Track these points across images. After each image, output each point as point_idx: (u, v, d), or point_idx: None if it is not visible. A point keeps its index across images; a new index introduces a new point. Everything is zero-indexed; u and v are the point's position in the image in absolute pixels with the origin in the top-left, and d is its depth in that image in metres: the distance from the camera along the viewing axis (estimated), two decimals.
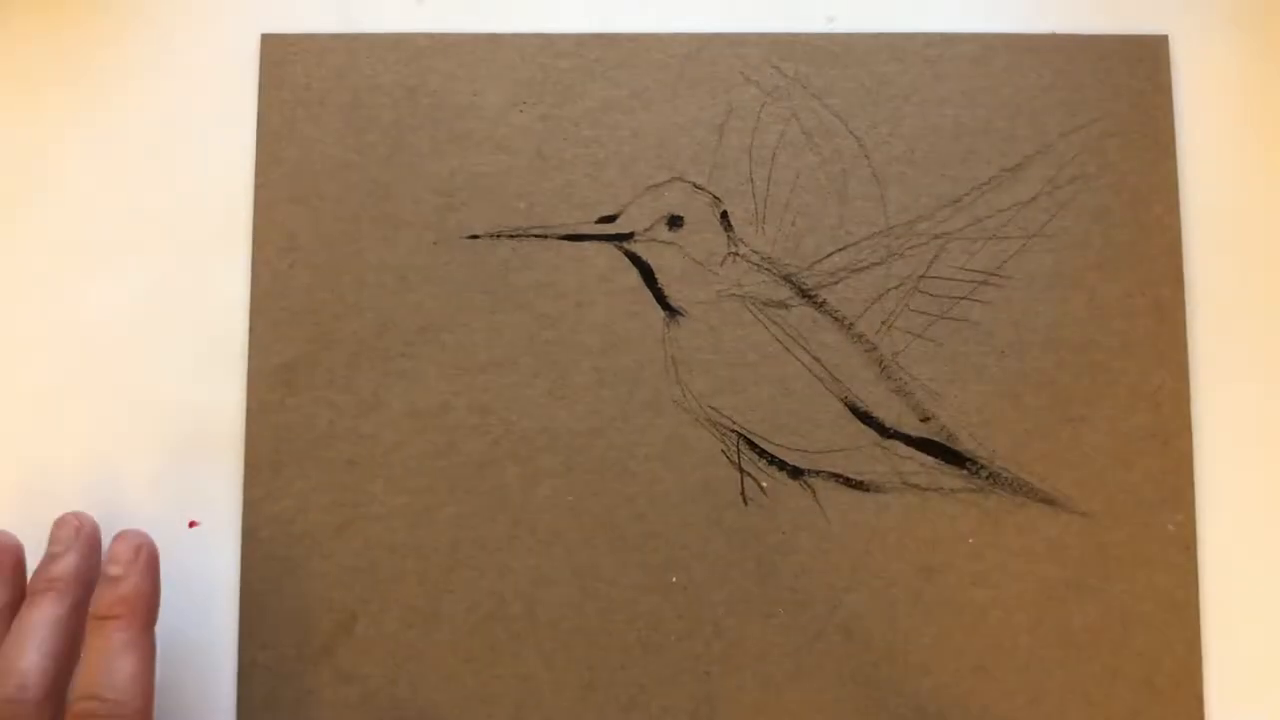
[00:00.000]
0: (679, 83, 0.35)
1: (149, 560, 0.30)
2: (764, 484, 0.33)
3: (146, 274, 0.35)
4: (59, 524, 0.31)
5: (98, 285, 0.35)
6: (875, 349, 0.34)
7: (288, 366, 0.34)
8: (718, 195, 0.34)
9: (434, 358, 0.34)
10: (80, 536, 0.31)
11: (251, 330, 0.34)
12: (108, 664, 0.28)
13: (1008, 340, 0.34)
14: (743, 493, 0.33)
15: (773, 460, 0.33)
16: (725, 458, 0.34)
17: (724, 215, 0.34)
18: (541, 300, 0.34)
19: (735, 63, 0.35)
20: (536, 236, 0.34)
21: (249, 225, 0.35)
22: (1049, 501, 0.33)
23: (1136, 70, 0.35)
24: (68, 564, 0.30)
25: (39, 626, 0.29)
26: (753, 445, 0.34)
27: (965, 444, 0.33)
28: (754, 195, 0.34)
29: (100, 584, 0.30)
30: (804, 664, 0.33)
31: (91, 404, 0.34)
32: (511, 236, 0.34)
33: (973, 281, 0.34)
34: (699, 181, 0.34)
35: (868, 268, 0.34)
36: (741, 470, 0.33)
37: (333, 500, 0.33)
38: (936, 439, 0.34)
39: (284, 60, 0.35)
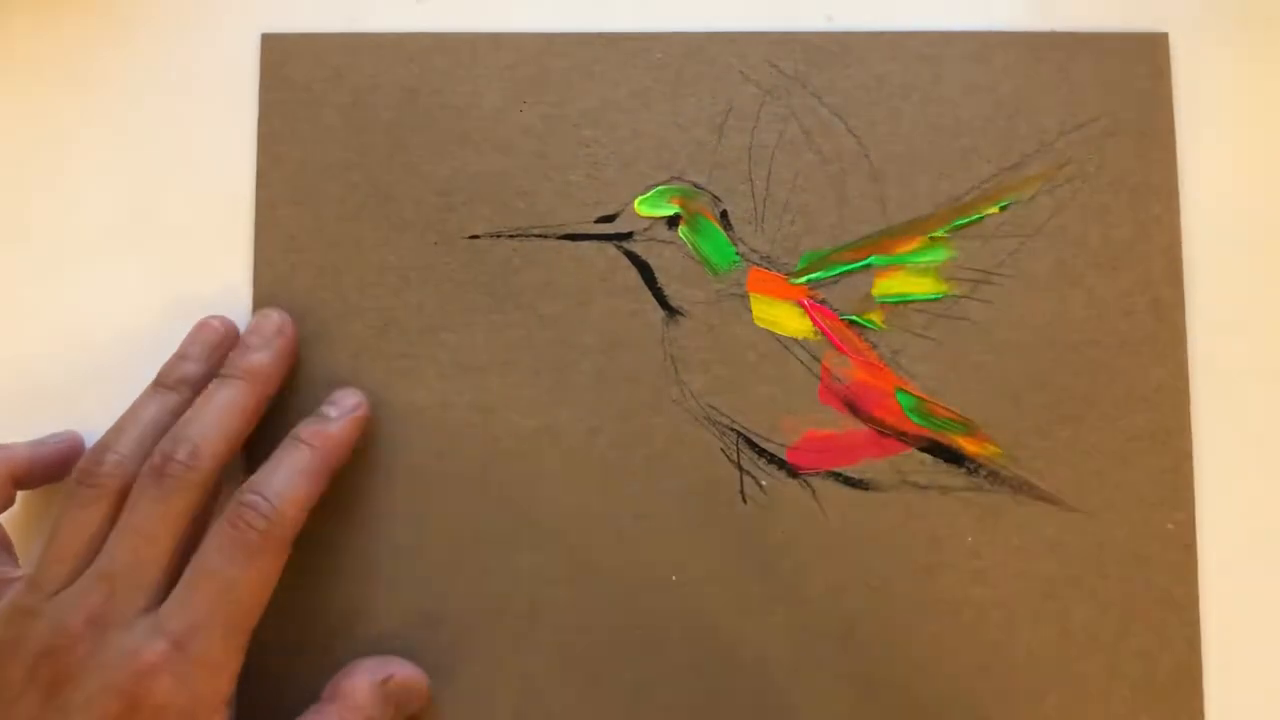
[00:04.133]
0: (678, 82, 0.35)
1: (359, 420, 0.33)
2: (763, 483, 0.33)
3: (147, 275, 0.35)
4: (263, 317, 0.33)
5: (98, 286, 0.35)
6: (874, 347, 0.34)
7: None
8: (717, 195, 0.35)
9: (435, 357, 0.34)
10: (280, 339, 0.33)
11: None
12: (287, 476, 0.30)
13: (1007, 339, 0.34)
14: (742, 491, 0.33)
15: (772, 459, 0.33)
16: (725, 456, 0.34)
17: (724, 214, 0.34)
18: (542, 300, 0.34)
19: (734, 62, 0.35)
20: (536, 236, 0.34)
21: (250, 226, 0.35)
22: (1049, 500, 0.33)
23: (1136, 68, 0.35)
24: (262, 358, 0.32)
25: (222, 406, 0.31)
26: (752, 444, 0.34)
27: (965, 442, 0.33)
28: (753, 194, 0.34)
29: (312, 418, 0.32)
30: (804, 663, 0.33)
31: (93, 404, 0.34)
32: (512, 236, 0.34)
33: (972, 280, 0.34)
34: (698, 181, 0.35)
35: (865, 266, 0.34)
36: (741, 469, 0.34)
37: (333, 499, 0.33)
38: (935, 437, 0.34)
39: (284, 60, 0.35)
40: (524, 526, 0.33)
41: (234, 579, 0.29)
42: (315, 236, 0.34)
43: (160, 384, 0.32)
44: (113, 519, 0.30)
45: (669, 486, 0.33)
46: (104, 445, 0.31)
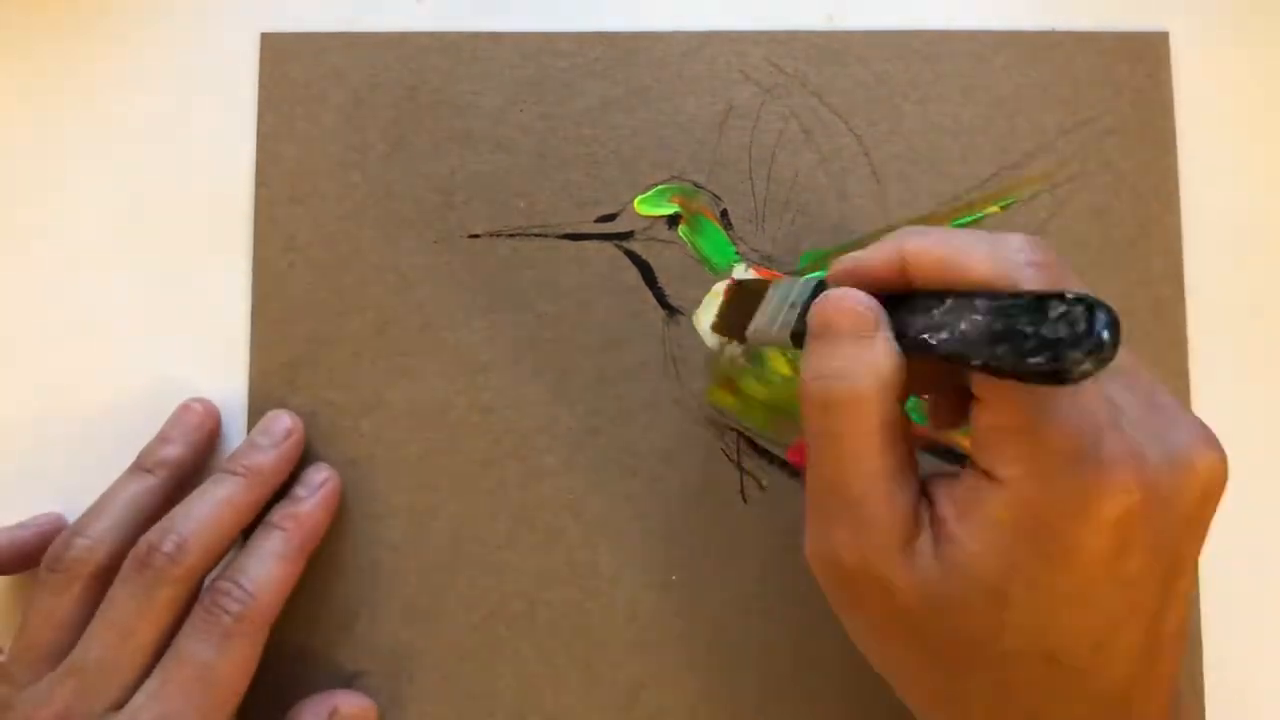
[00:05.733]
0: (678, 81, 0.35)
1: (330, 494, 0.32)
2: (764, 482, 0.33)
3: (147, 274, 0.35)
4: (273, 419, 0.33)
5: (98, 285, 0.35)
6: None
7: (289, 366, 0.34)
8: (717, 194, 0.34)
9: (434, 356, 0.34)
10: (288, 441, 0.32)
11: (253, 330, 0.34)
12: (259, 561, 0.30)
13: None
14: (742, 491, 0.33)
15: (772, 459, 0.33)
16: (725, 456, 0.34)
17: (724, 214, 0.34)
18: (542, 299, 0.34)
19: (734, 61, 0.35)
20: (536, 235, 0.34)
21: (249, 225, 0.35)
22: None
23: (1136, 68, 0.35)
24: (267, 459, 0.32)
25: (217, 502, 0.30)
26: (753, 444, 0.34)
27: (965, 442, 0.33)
28: (754, 194, 0.34)
29: (284, 500, 0.32)
30: (804, 662, 0.33)
31: (92, 403, 0.34)
32: (511, 235, 0.34)
33: None
34: (698, 180, 0.35)
35: None
36: (741, 469, 0.34)
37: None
38: (935, 437, 0.34)
39: (284, 60, 0.35)
40: (524, 525, 0.33)
41: (208, 664, 0.28)
42: (314, 235, 0.34)
43: (139, 466, 0.32)
44: (84, 605, 0.29)
45: (669, 486, 0.33)
46: (75, 529, 0.30)
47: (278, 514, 0.31)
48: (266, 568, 0.30)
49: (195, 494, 0.31)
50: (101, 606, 0.29)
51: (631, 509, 0.33)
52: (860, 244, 0.34)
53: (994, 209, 0.34)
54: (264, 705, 0.32)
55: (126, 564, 0.29)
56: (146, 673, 0.28)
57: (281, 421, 0.33)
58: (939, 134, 0.35)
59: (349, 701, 0.31)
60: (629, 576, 0.33)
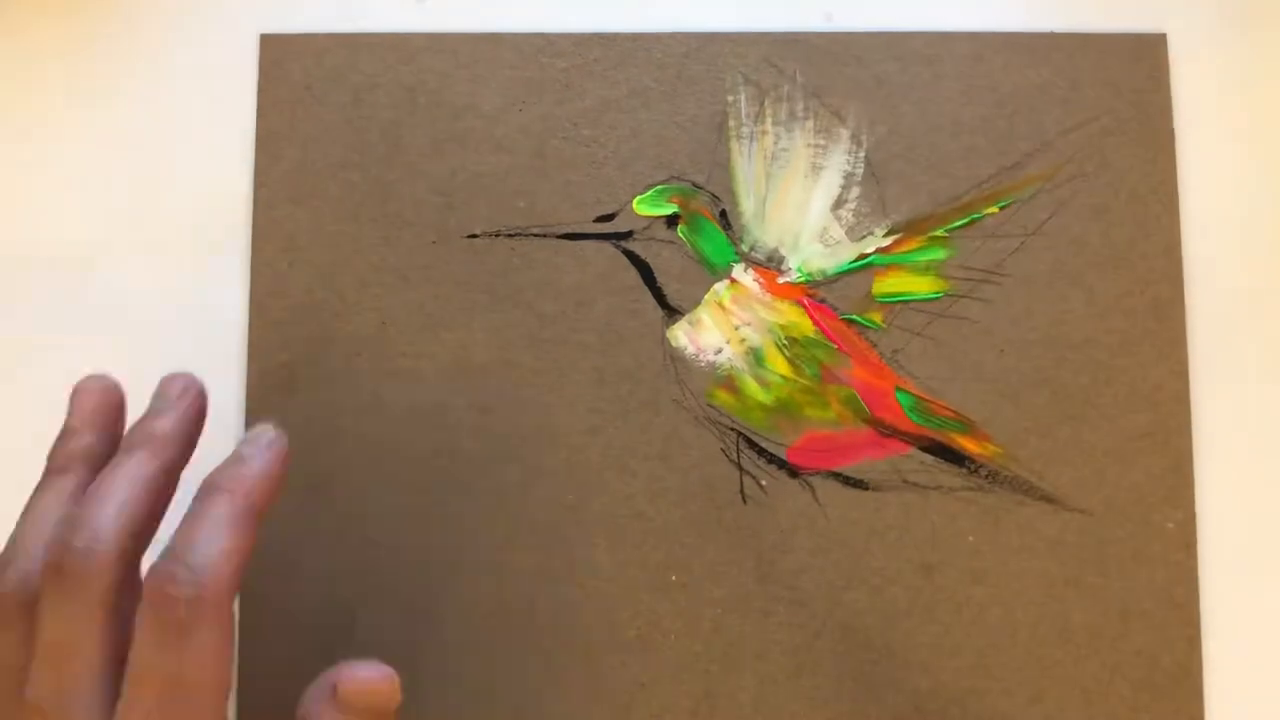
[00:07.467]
0: (678, 82, 0.35)
1: (281, 453, 0.28)
2: (763, 482, 0.33)
3: (146, 274, 0.35)
4: (167, 381, 0.29)
5: (97, 285, 0.35)
6: (874, 347, 0.34)
7: (288, 366, 0.34)
8: (716, 194, 0.35)
9: (434, 357, 0.34)
10: (186, 396, 0.29)
11: (251, 330, 0.34)
12: (202, 534, 0.25)
13: (1007, 338, 0.34)
14: (742, 491, 0.33)
15: (772, 459, 0.33)
16: (724, 456, 0.34)
17: (723, 214, 0.34)
18: (541, 299, 0.34)
19: (734, 61, 0.35)
20: (536, 235, 0.34)
21: (249, 225, 0.35)
22: (1049, 499, 0.33)
23: (1135, 69, 0.35)
24: (166, 422, 0.28)
25: (123, 482, 0.26)
26: (752, 444, 0.34)
27: (964, 442, 0.33)
28: (753, 194, 0.34)
29: (226, 461, 0.27)
30: (803, 662, 0.33)
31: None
32: (511, 236, 0.34)
33: (971, 280, 0.34)
34: (698, 180, 0.35)
35: (865, 265, 0.34)
36: (741, 469, 0.33)
37: (333, 500, 0.33)
38: (935, 437, 0.34)
39: (284, 60, 0.35)
40: (524, 525, 0.33)
41: (173, 673, 0.24)
42: (314, 236, 0.34)
43: (51, 470, 0.28)
44: (30, 639, 0.25)
45: (669, 486, 0.33)
46: (3, 561, 0.26)
47: (219, 475, 0.27)
48: (211, 539, 0.25)
49: (101, 476, 0.27)
50: (35, 634, 0.25)
51: (631, 509, 0.33)
52: (855, 243, 0.34)
53: (993, 209, 0.34)
54: (264, 706, 0.32)
55: (43, 577, 0.25)
56: (112, 687, 0.24)
57: (174, 382, 0.29)
58: (939, 134, 0.35)
59: (350, 675, 0.27)
60: (628, 576, 0.33)
